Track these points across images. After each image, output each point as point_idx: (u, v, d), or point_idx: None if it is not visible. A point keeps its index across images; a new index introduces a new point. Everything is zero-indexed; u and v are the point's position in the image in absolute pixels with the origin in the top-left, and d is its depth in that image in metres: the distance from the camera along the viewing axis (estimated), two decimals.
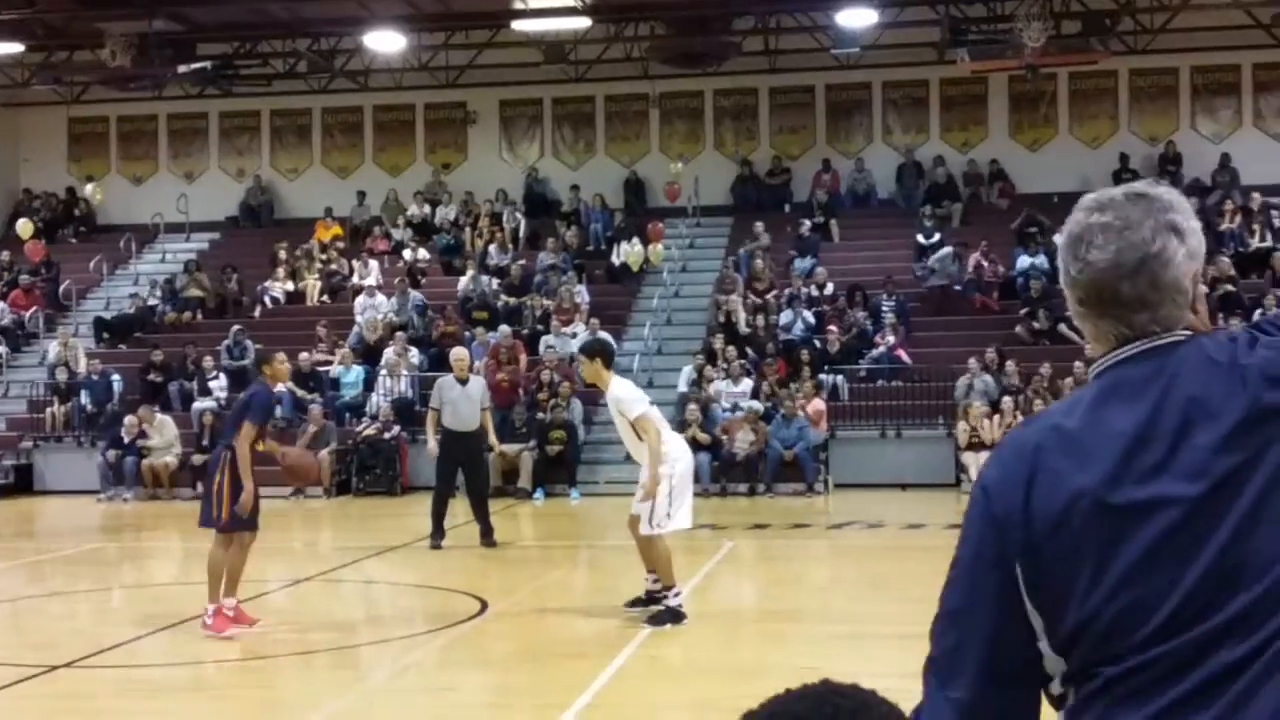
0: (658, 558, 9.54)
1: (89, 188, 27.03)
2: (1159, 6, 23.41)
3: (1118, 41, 23.81)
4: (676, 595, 9.55)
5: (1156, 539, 1.74)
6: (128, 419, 20.35)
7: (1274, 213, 22.64)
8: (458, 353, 14.91)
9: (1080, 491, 1.78)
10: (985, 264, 22.53)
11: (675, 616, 9.42)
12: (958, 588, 1.88)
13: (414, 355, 21.63)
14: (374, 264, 24.70)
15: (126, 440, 20.12)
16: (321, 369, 21.54)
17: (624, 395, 9.52)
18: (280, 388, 12.36)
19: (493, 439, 14.54)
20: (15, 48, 23.98)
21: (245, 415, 9.64)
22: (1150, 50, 24.41)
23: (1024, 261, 22.62)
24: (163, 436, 20.16)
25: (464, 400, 13.86)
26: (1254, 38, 24.26)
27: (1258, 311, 20.04)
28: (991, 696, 1.81)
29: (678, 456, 9.57)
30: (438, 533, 13.79)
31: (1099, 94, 25.66)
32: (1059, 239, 1.96)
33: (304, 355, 21.35)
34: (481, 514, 13.93)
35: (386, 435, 19.97)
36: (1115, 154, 25.05)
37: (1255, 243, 22.04)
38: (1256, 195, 22.96)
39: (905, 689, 1.80)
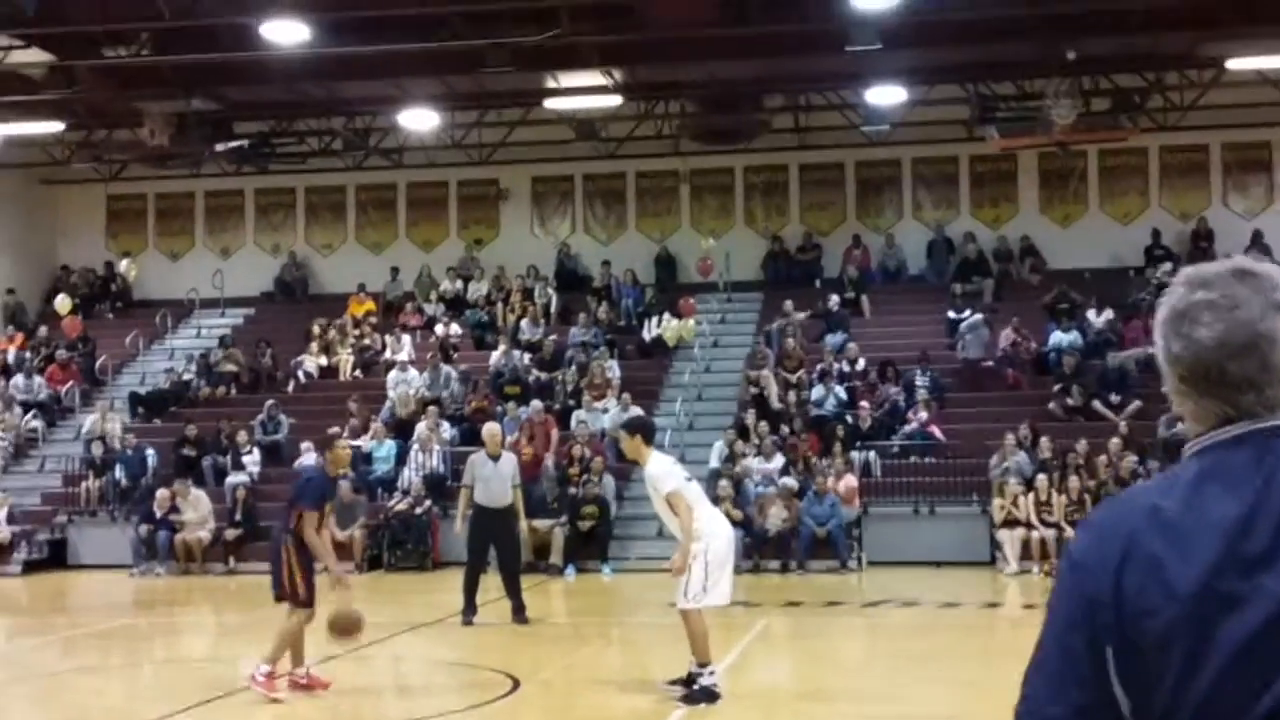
0: (692, 634, 9.50)
1: (124, 264, 27.36)
2: (1189, 84, 23.50)
3: (1147, 118, 23.89)
4: (711, 674, 9.48)
5: (1254, 634, 1.69)
6: (159, 493, 20.43)
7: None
8: (490, 428, 14.94)
9: (1177, 580, 1.73)
10: (1018, 339, 22.48)
11: (710, 696, 9.35)
12: (1044, 672, 1.83)
13: (446, 430, 21.68)
14: (406, 339, 24.84)
15: (159, 515, 20.18)
16: (355, 443, 21.58)
17: (657, 472, 9.59)
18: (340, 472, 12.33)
19: (523, 519, 14.54)
20: (56, 126, 24.42)
21: (300, 501, 9.97)
22: (1180, 127, 24.47)
23: (1057, 337, 22.55)
24: (196, 511, 20.22)
25: (496, 477, 13.87)
26: None
27: None
28: None
29: (714, 533, 9.56)
30: (469, 609, 13.74)
31: (1129, 170, 25.71)
32: (1158, 315, 1.90)
33: (334, 430, 21.42)
34: (514, 590, 13.89)
35: (418, 510, 19.96)
36: (1147, 230, 25.05)
37: None
38: None
39: None
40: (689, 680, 9.62)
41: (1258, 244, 24.26)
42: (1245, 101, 24.00)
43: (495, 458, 14.03)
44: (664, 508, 9.65)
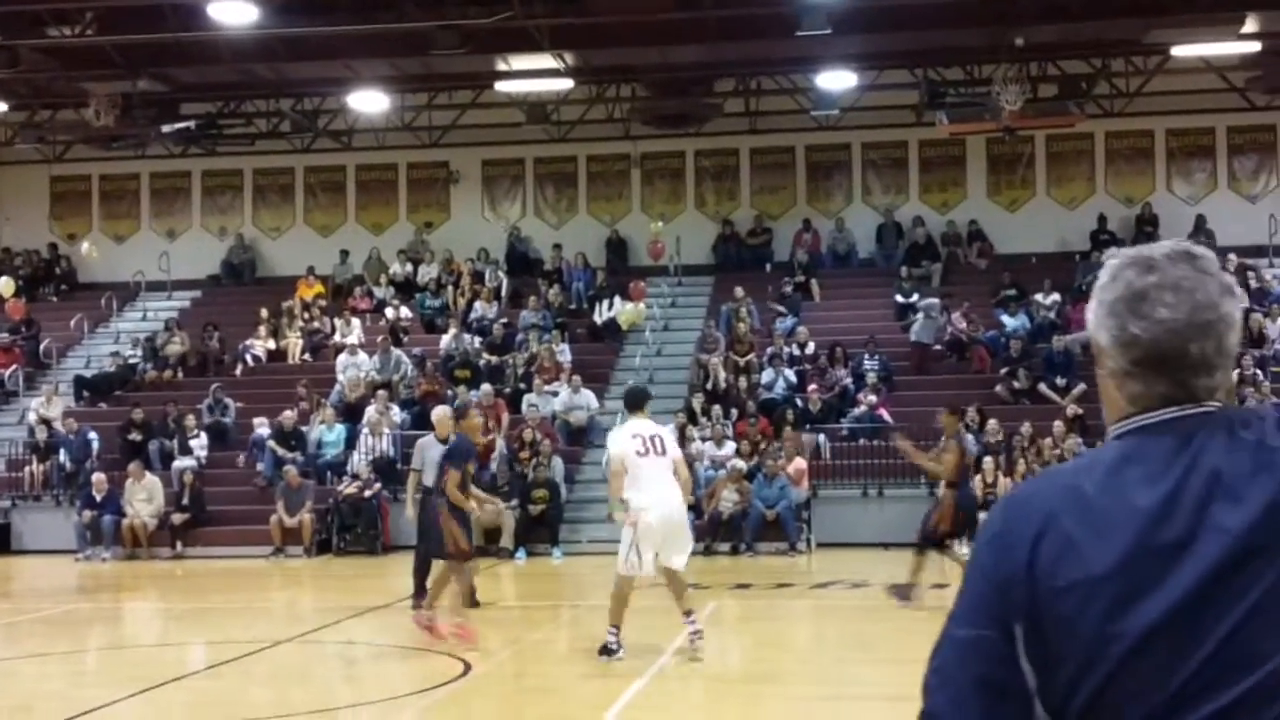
0: (613, 595, 10.32)
1: (84, 246, 26.93)
2: (1134, 70, 23.75)
3: (1094, 105, 24.13)
4: (613, 633, 10.23)
5: (1160, 620, 1.71)
6: (95, 477, 20.24)
7: (1250, 275, 22.80)
8: (440, 412, 14.88)
9: (1091, 562, 1.73)
10: (965, 323, 22.67)
11: (606, 651, 10.13)
12: (953, 643, 1.83)
13: (396, 413, 21.60)
14: (356, 322, 24.71)
15: (99, 499, 20.00)
16: (302, 427, 21.49)
17: (610, 437, 10.56)
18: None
19: (472, 502, 14.46)
20: None
21: (448, 461, 11.25)
22: (1126, 113, 24.75)
23: (1005, 321, 22.77)
24: (150, 496, 20.06)
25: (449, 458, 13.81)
26: (1228, 101, 24.62)
27: (1234, 371, 20.17)
28: None
29: (645, 508, 10.08)
30: (420, 593, 13.70)
31: (1076, 156, 25.96)
32: (1103, 297, 1.87)
33: (286, 413, 21.32)
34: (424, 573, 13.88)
35: (367, 494, 19.89)
36: (1093, 215, 25.32)
37: None
38: (1232, 256, 23.19)
39: None
40: (692, 640, 10.33)
41: (1201, 229, 24.59)
42: (1189, 88, 24.30)
43: (444, 441, 13.98)
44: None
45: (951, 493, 13.15)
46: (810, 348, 22.72)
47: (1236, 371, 17.16)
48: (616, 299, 24.37)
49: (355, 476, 20.32)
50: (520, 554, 18.88)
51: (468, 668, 10.31)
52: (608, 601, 10.43)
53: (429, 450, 13.88)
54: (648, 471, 10.13)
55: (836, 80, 23.09)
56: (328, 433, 21.36)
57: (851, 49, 21.85)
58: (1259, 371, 20.34)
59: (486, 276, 25.75)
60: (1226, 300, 1.83)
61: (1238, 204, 25.35)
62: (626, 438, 10.30)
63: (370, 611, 14.10)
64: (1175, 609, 1.70)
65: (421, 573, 13.69)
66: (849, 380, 21.68)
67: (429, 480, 13.76)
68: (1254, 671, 1.68)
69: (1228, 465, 1.76)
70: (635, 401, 10.95)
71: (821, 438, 20.68)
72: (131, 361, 24.41)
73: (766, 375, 21.95)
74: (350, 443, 21.23)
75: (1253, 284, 22.91)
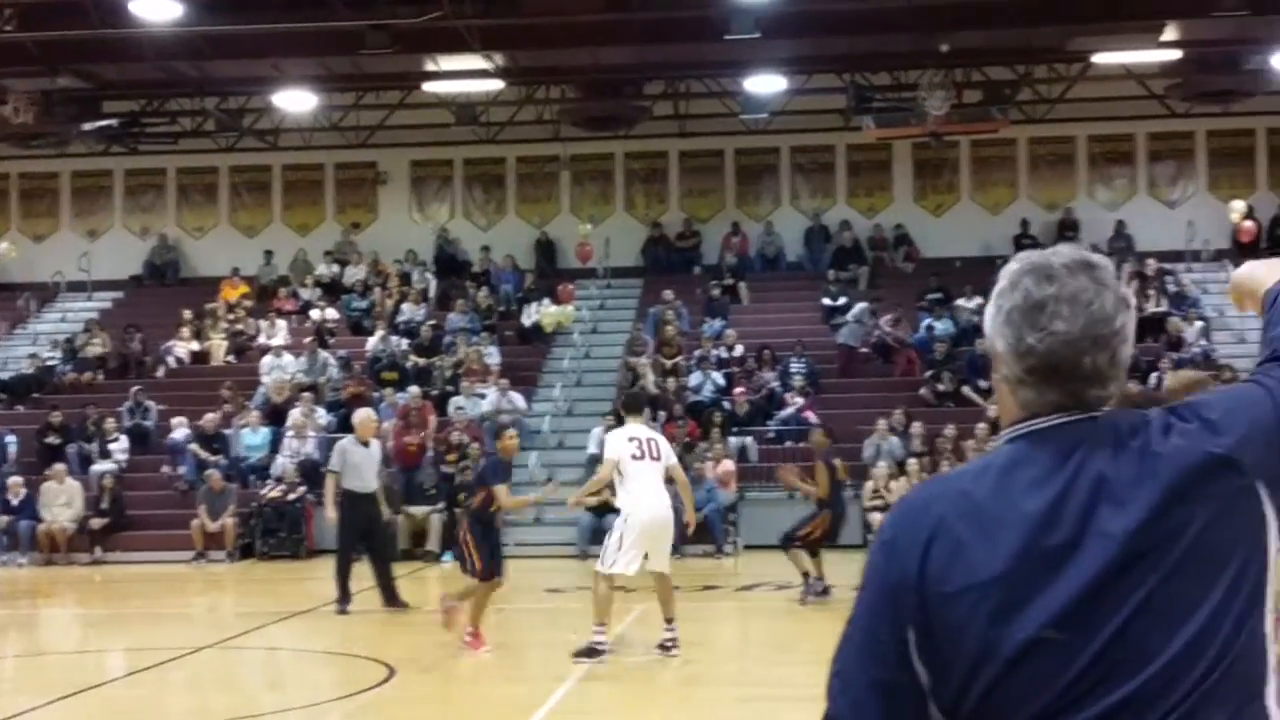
0: (595, 595, 10.45)
1: (2, 246, 26.37)
2: (1057, 77, 24.10)
3: (1017, 111, 24.44)
4: (599, 632, 10.31)
5: (1047, 623, 1.74)
6: (11, 481, 19.89)
7: (1168, 279, 23.25)
8: (362, 414, 14.78)
9: (980, 566, 1.76)
10: (891, 327, 22.87)
11: (591, 652, 10.15)
12: (851, 647, 1.86)
13: (321, 416, 21.40)
14: (281, 324, 24.45)
15: (15, 504, 19.63)
16: (225, 430, 21.22)
17: (607, 443, 10.80)
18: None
19: (385, 507, 14.42)
20: None
21: (487, 481, 11.23)
22: (1048, 120, 25.10)
23: (930, 325, 23.01)
24: (68, 499, 19.71)
25: (366, 462, 13.78)
26: (1148, 108, 25.05)
27: (1153, 375, 20.58)
28: None
29: (636, 510, 10.35)
30: (345, 597, 13.60)
31: (1000, 161, 26.30)
32: (1001, 304, 1.89)
33: (209, 416, 21.05)
34: (387, 577, 13.77)
35: (291, 497, 19.68)
36: (1016, 220, 25.66)
37: (1150, 308, 22.60)
38: (1151, 261, 23.63)
39: None
40: (665, 646, 10.55)
41: (1121, 234, 25.04)
42: (1110, 95, 24.68)
43: (365, 444, 13.92)
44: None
45: (826, 512, 14.06)
46: (738, 350, 22.82)
47: (1155, 375, 17.42)
48: (546, 301, 24.31)
49: (279, 480, 20.09)
50: (446, 557, 18.75)
51: (392, 672, 10.24)
52: (539, 604, 10.49)
53: (350, 453, 13.78)
54: (641, 475, 10.41)
55: (765, 84, 23.23)
56: (251, 436, 21.11)
57: (780, 53, 21.97)
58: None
59: (414, 278, 25.58)
60: (1122, 314, 1.86)
61: (1157, 210, 25.80)
62: (623, 441, 10.54)
63: (294, 616, 13.95)
64: (1061, 612, 1.74)
65: (344, 574, 13.59)
66: (776, 383, 21.80)
67: (350, 484, 13.68)
68: (1139, 673, 1.72)
69: (1114, 471, 1.79)
70: (633, 406, 11.27)
71: (749, 440, 20.76)
72: (50, 363, 23.96)
73: (694, 378, 22.01)
74: (274, 446, 21.00)
75: (1171, 288, 23.33)
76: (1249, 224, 23.79)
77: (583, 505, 10.46)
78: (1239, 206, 23.35)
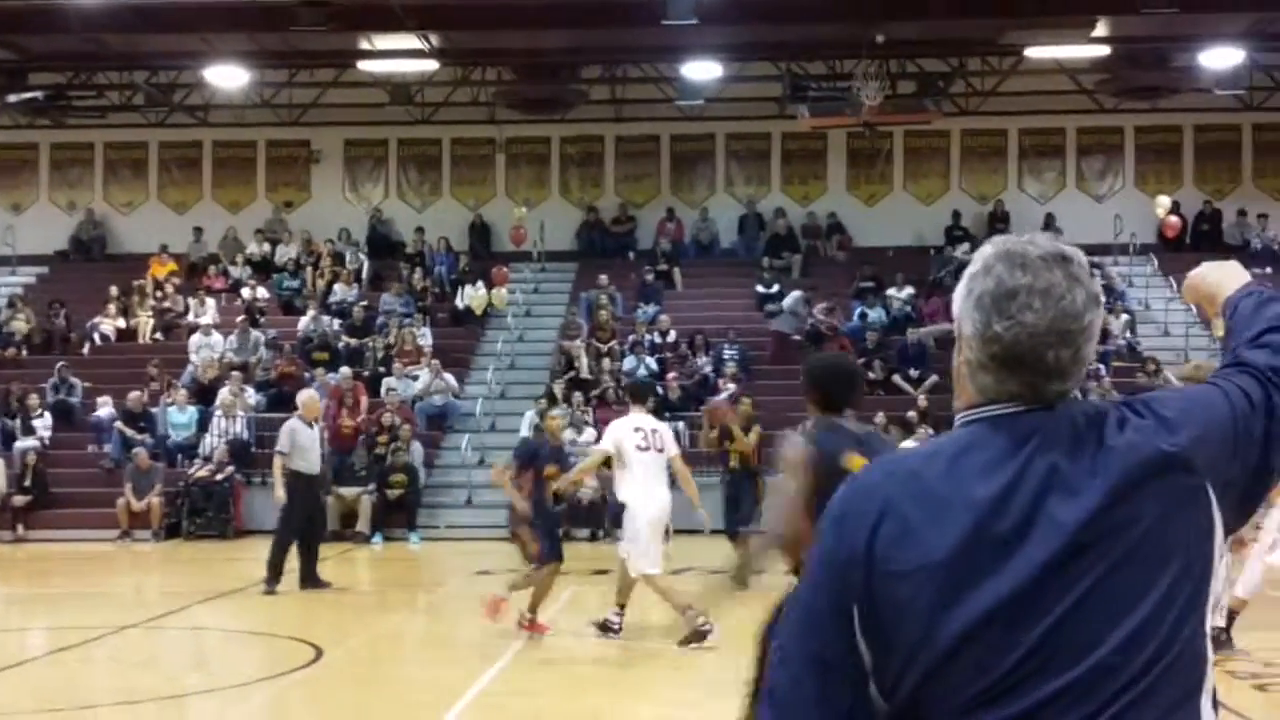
0: (658, 591, 10.55)
1: None
2: (990, 70, 24.36)
3: (950, 103, 24.69)
4: (696, 616, 10.09)
5: (990, 608, 1.74)
6: None
7: (1095, 272, 23.58)
8: (308, 395, 14.70)
9: (927, 548, 1.76)
10: (828, 314, 23.03)
11: (699, 636, 10.03)
12: (794, 621, 1.87)
13: (251, 395, 21.19)
14: (211, 302, 24.17)
15: None
16: (152, 409, 20.96)
17: (606, 433, 10.67)
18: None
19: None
20: None
21: (536, 465, 10.77)
22: (981, 112, 25.37)
23: (863, 313, 23.21)
24: None
25: (312, 444, 13.75)
26: (1078, 102, 25.40)
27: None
28: None
29: (641, 505, 10.27)
30: (275, 578, 13.50)
31: (932, 153, 26.55)
32: (972, 287, 1.88)
33: (135, 394, 20.78)
34: (314, 557, 13.70)
35: (220, 477, 19.48)
36: (947, 211, 25.93)
37: None
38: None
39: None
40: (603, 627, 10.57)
41: (1050, 227, 25.33)
42: (1042, 89, 24.99)
43: (310, 424, 13.88)
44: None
45: None
46: (671, 336, 22.89)
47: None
48: (480, 283, 24.21)
49: (207, 459, 19.88)
50: (377, 538, 18.69)
51: (320, 653, 10.19)
52: (470, 586, 10.45)
53: (298, 434, 13.68)
54: (644, 466, 10.26)
55: (702, 71, 23.26)
56: (179, 414, 20.86)
57: (717, 40, 22.02)
58: (1101, 366, 21.05)
59: (347, 258, 25.38)
60: (1091, 310, 1.86)
61: (1085, 203, 26.18)
62: (628, 430, 10.37)
63: (220, 597, 13.83)
64: (1005, 598, 1.74)
65: (281, 555, 13.47)
66: (709, 368, 21.89)
67: (297, 465, 13.60)
68: (1078, 664, 1.73)
69: (1066, 461, 1.79)
70: (639, 394, 11.08)
71: (681, 425, 20.81)
72: None
73: (628, 362, 22.04)
74: (202, 425, 20.77)
75: (1098, 281, 23.64)
76: (1174, 219, 24.21)
77: (576, 489, 10.43)
78: (1164, 202, 23.76)
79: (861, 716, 1.80)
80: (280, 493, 13.53)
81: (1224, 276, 2.28)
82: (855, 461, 4.35)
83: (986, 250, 1.92)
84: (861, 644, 1.79)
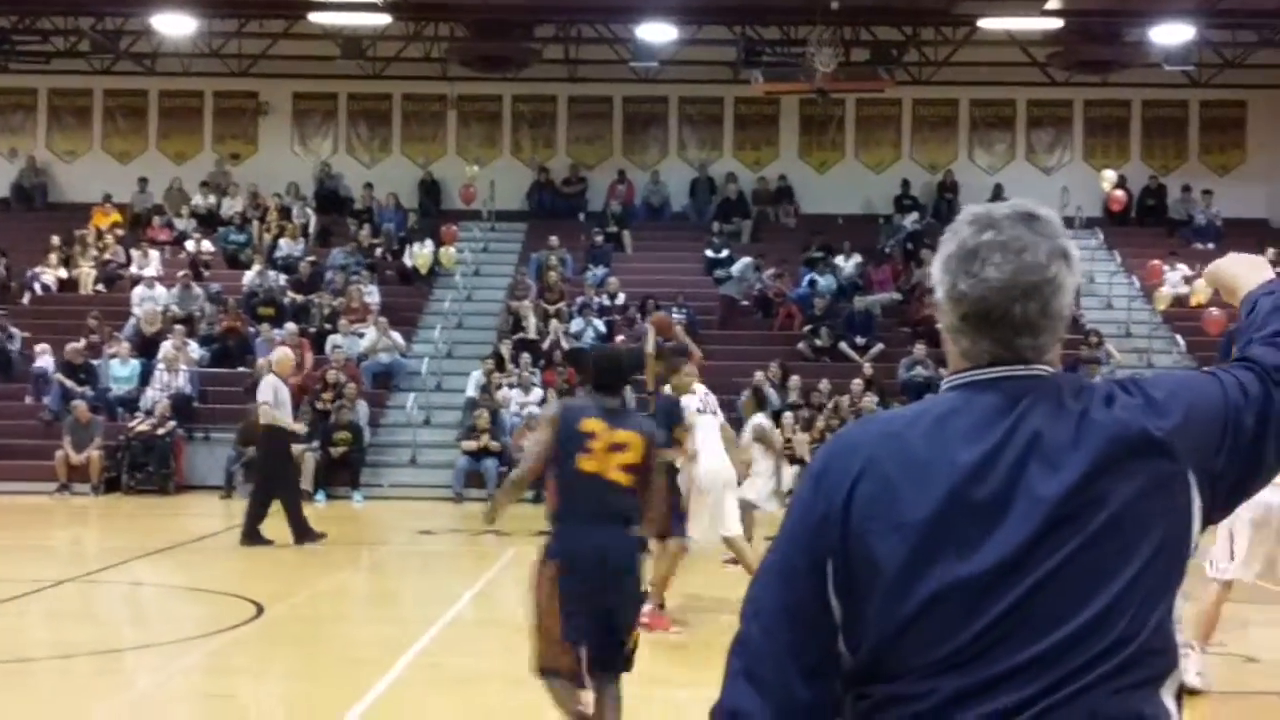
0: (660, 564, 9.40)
1: None
2: (942, 40, 24.42)
3: (903, 72, 24.74)
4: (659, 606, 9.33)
5: (962, 576, 1.75)
6: None
7: None
8: (282, 353, 14.82)
9: (906, 508, 1.78)
10: (776, 280, 23.10)
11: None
12: (770, 573, 1.88)
13: (194, 349, 20.98)
14: (154, 254, 23.86)
15: None
16: (93, 361, 20.70)
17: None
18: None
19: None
20: None
21: (667, 428, 9.14)
22: (933, 82, 25.44)
23: (812, 280, 23.28)
24: None
25: (288, 399, 14.06)
26: (1029, 75, 25.52)
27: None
28: (794, 683, 1.82)
29: (708, 474, 9.63)
30: (308, 532, 13.52)
31: (884, 121, 26.61)
32: (942, 253, 1.90)
33: (75, 345, 20.51)
34: (263, 514, 13.66)
35: (161, 431, 19.30)
36: (897, 180, 26.03)
37: None
38: None
39: (687, 697, 1.86)
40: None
41: (998, 198, 25.28)
42: (994, 60, 25.08)
43: (285, 381, 14.04)
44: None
45: None
46: (620, 298, 22.86)
47: None
48: (428, 242, 24.05)
49: (149, 413, 19.68)
50: (320, 496, 18.58)
51: (260, 610, 10.14)
52: (413, 546, 10.31)
53: (280, 390, 13.70)
54: (703, 431, 9.69)
55: (656, 33, 23.17)
56: (120, 367, 20.63)
57: (672, 2, 21.95)
58: None
59: (294, 213, 25.13)
60: (1056, 263, 1.85)
61: (1034, 175, 26.35)
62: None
63: (160, 552, 13.73)
64: (977, 566, 1.75)
65: (297, 511, 13.53)
66: None
67: (286, 420, 13.63)
68: (1045, 638, 1.74)
69: (1050, 432, 1.79)
70: (683, 353, 10.45)
71: (629, 389, 20.82)
72: None
73: (576, 324, 22.02)
74: (144, 378, 20.55)
75: (1070, 240, 23.86)
76: (1119, 193, 24.43)
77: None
78: (1110, 176, 23.95)
79: (829, 669, 1.83)
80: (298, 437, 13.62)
81: (1247, 270, 2.30)
82: (590, 424, 5.64)
83: (960, 216, 1.94)
84: (833, 599, 1.81)
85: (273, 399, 13.60)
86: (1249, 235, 25.29)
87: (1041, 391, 1.84)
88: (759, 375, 20.07)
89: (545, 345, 21.43)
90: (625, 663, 5.86)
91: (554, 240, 23.88)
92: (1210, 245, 25.11)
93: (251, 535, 13.46)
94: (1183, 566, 1.83)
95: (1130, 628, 1.75)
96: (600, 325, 21.96)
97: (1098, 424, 1.81)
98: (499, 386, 20.12)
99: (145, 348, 21.13)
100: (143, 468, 19.15)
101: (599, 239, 24.46)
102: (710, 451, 9.73)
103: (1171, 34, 22.44)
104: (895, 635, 1.77)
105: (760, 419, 12.95)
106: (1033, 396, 1.83)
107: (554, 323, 21.93)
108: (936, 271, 1.91)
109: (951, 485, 1.78)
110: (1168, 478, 1.82)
